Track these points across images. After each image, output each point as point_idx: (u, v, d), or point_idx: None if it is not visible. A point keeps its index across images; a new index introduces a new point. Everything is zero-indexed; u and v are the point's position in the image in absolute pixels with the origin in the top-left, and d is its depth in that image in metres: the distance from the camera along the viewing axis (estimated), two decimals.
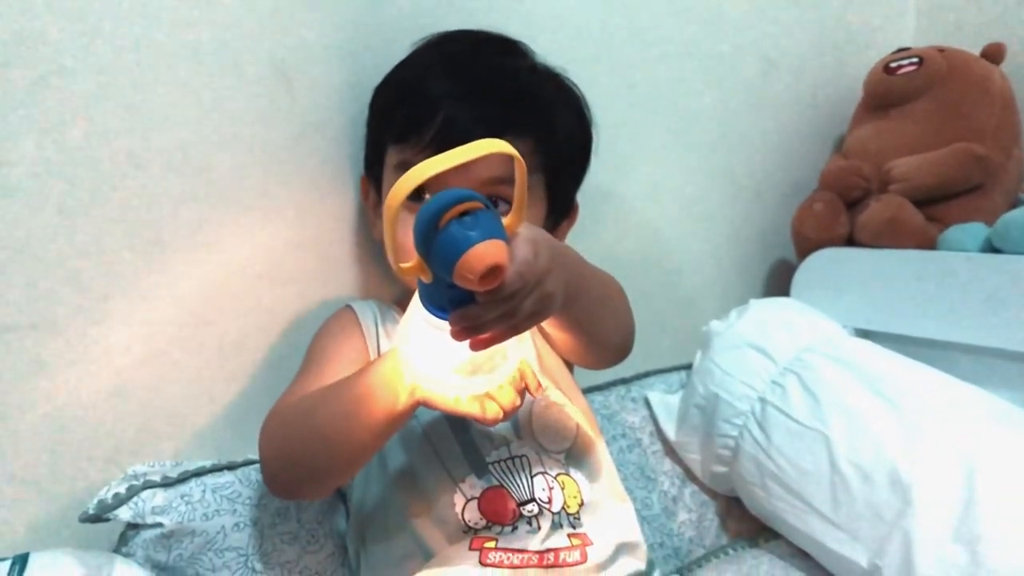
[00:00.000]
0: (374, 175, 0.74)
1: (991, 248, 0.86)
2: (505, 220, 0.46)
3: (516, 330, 0.48)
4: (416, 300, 0.49)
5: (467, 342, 0.46)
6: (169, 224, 0.70)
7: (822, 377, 0.81)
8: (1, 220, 0.63)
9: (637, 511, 0.86)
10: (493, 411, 0.53)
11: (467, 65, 0.69)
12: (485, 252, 0.42)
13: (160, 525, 0.62)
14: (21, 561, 0.56)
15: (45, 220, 0.64)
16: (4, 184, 0.63)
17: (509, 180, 0.64)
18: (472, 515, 0.61)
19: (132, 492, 0.62)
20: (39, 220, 0.64)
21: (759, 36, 1.07)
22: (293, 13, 0.73)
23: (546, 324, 0.59)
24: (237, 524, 0.65)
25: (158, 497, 0.62)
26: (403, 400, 0.54)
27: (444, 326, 0.46)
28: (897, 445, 0.72)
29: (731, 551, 0.87)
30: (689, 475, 0.93)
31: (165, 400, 0.71)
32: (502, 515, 0.61)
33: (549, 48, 0.77)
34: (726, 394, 0.86)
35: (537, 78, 0.73)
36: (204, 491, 0.65)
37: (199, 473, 0.66)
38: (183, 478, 0.65)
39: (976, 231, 0.88)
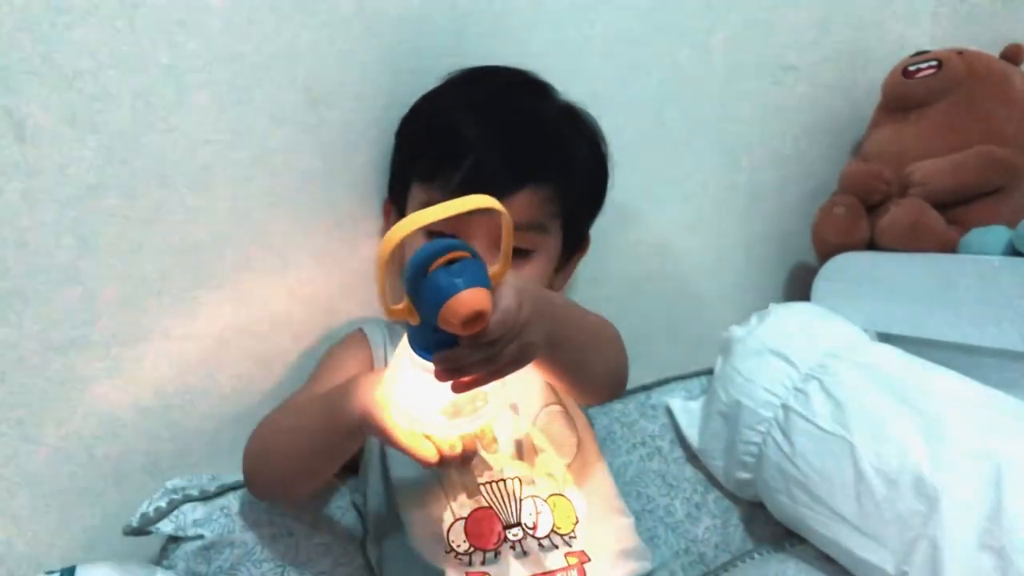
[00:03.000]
0: (398, 202, 0.76)
1: (1013, 251, 0.86)
2: (491, 269, 0.48)
3: (497, 375, 0.50)
4: (404, 341, 0.51)
5: (449, 384, 0.48)
6: (201, 244, 0.72)
7: (845, 383, 0.81)
8: (37, 246, 0.65)
9: (660, 518, 0.87)
10: (427, 452, 0.53)
11: (497, 108, 0.71)
12: (469, 299, 0.44)
13: (201, 537, 0.64)
14: (69, 573, 0.59)
15: (80, 242, 0.67)
16: (42, 210, 0.65)
17: (535, 226, 0.67)
18: (457, 537, 0.63)
19: (173, 505, 0.64)
20: (75, 244, 0.66)
21: (776, 39, 1.07)
22: (324, 39, 0.75)
23: (531, 367, 0.59)
24: (274, 535, 0.67)
25: (198, 510, 0.64)
26: (350, 424, 0.55)
27: (429, 367, 0.48)
28: (922, 450, 0.72)
29: (757, 555, 0.87)
30: (712, 481, 0.93)
31: (201, 416, 0.73)
32: (486, 539, 0.62)
33: (559, 57, 0.78)
34: (749, 401, 0.86)
35: (564, 121, 0.74)
36: (242, 503, 0.67)
37: (236, 486, 0.68)
38: (221, 491, 0.67)
39: (998, 234, 0.88)
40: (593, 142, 0.77)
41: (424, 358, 0.49)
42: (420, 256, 0.46)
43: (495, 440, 0.61)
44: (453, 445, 0.54)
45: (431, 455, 0.53)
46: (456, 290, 0.44)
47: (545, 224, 0.70)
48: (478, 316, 0.45)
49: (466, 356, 0.48)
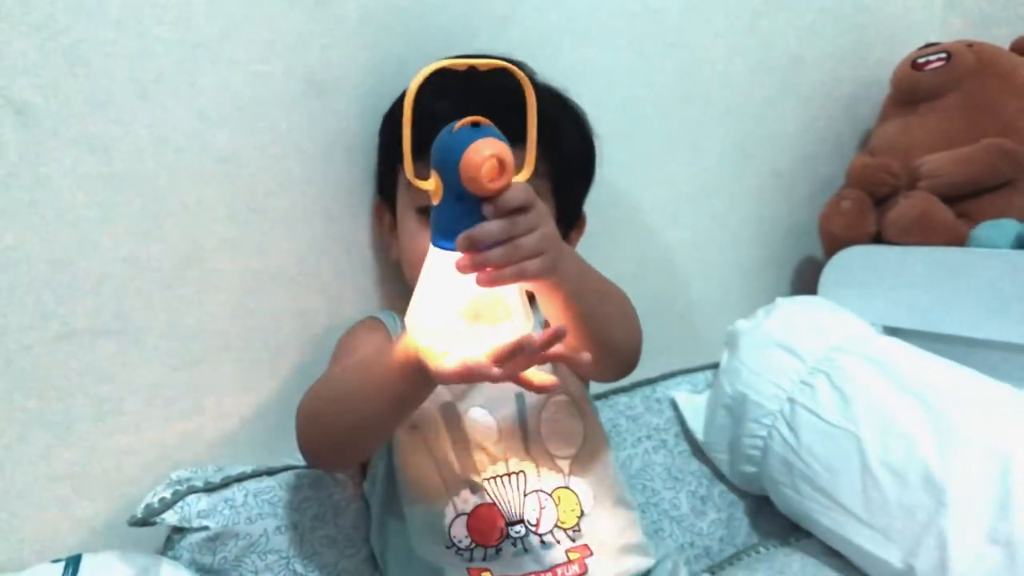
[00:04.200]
0: (388, 199, 0.76)
1: (1022, 244, 0.85)
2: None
3: (519, 269, 0.49)
4: (428, 255, 0.51)
5: (472, 282, 0.48)
6: (206, 232, 0.72)
7: (852, 376, 0.81)
8: (52, 231, 0.65)
9: (665, 511, 0.87)
10: (472, 360, 0.49)
11: (470, 84, 0.70)
12: (490, 143, 0.46)
13: (206, 528, 0.63)
14: (74, 563, 0.59)
15: (89, 230, 0.66)
16: (55, 197, 0.65)
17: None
18: (458, 532, 0.62)
19: (177, 497, 0.64)
20: (84, 229, 0.66)
21: (785, 32, 1.07)
22: (330, 30, 0.75)
23: (554, 309, 0.57)
24: (279, 527, 0.67)
25: (203, 501, 0.64)
26: (404, 363, 0.53)
27: (451, 260, 0.48)
28: (929, 444, 0.72)
29: (762, 549, 0.87)
30: (717, 475, 0.93)
31: (205, 406, 0.73)
32: (488, 535, 0.62)
33: (563, 52, 0.77)
34: (754, 394, 0.86)
35: (541, 95, 0.74)
36: (246, 495, 0.67)
37: (241, 478, 0.68)
38: (226, 483, 0.67)
39: (1007, 227, 0.88)
40: (574, 115, 0.77)
41: (446, 248, 0.49)
42: (448, 125, 0.49)
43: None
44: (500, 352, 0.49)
45: (481, 363, 0.49)
46: (478, 137, 0.46)
47: (536, 190, 0.69)
48: (500, 164, 0.46)
49: (488, 230, 0.47)
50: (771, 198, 1.10)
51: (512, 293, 0.51)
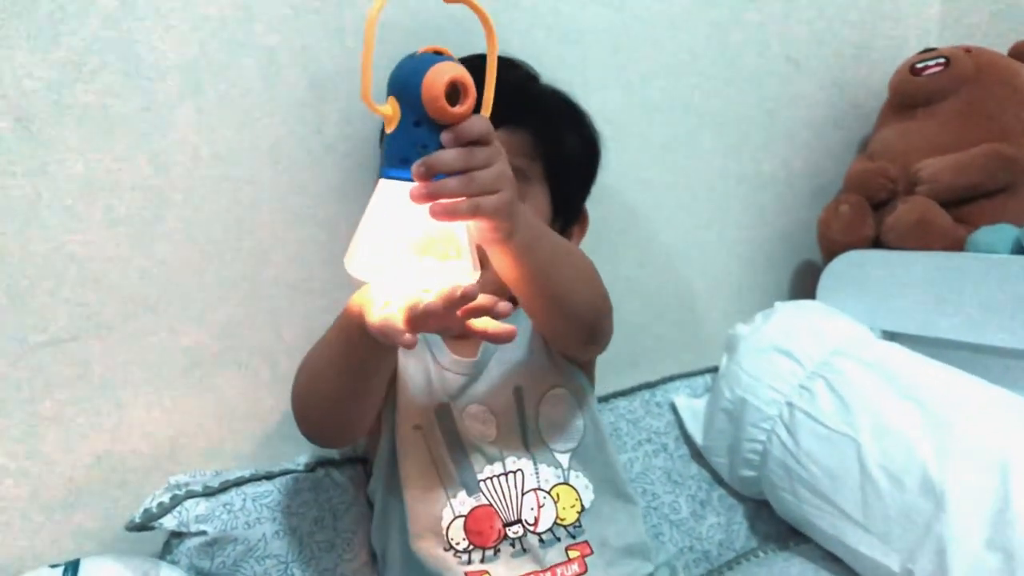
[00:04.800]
0: None
1: (1020, 249, 0.85)
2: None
3: (474, 204, 0.47)
4: (377, 190, 0.49)
5: (424, 214, 0.46)
6: (209, 235, 0.72)
7: (850, 381, 0.81)
8: (53, 236, 0.65)
9: (665, 515, 0.87)
10: (397, 324, 0.48)
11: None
12: (452, 66, 0.46)
13: (204, 533, 0.64)
14: (73, 567, 0.59)
15: (92, 234, 0.67)
16: (56, 200, 0.65)
17: (516, 172, 0.63)
18: (456, 534, 0.62)
19: (176, 501, 0.64)
20: (87, 235, 0.66)
21: (783, 37, 1.07)
22: (330, 33, 0.75)
23: (507, 264, 0.55)
24: (277, 532, 0.67)
25: (201, 506, 0.64)
26: (357, 324, 0.52)
27: (402, 189, 0.46)
28: (928, 449, 0.72)
29: (761, 554, 0.87)
30: (717, 479, 0.93)
31: (204, 410, 0.73)
32: (485, 537, 0.62)
33: (564, 58, 0.77)
34: (753, 398, 0.86)
35: (536, 85, 0.75)
36: (244, 500, 0.67)
37: (239, 483, 0.68)
38: (224, 487, 0.67)
39: (1005, 232, 0.88)
40: (574, 112, 0.76)
41: (401, 178, 0.47)
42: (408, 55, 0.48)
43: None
44: (415, 304, 0.48)
45: (400, 327, 0.48)
46: (441, 60, 0.46)
47: (526, 171, 0.68)
48: (462, 87, 0.46)
49: (447, 157, 0.46)
50: (770, 203, 1.10)
51: (463, 234, 0.49)
